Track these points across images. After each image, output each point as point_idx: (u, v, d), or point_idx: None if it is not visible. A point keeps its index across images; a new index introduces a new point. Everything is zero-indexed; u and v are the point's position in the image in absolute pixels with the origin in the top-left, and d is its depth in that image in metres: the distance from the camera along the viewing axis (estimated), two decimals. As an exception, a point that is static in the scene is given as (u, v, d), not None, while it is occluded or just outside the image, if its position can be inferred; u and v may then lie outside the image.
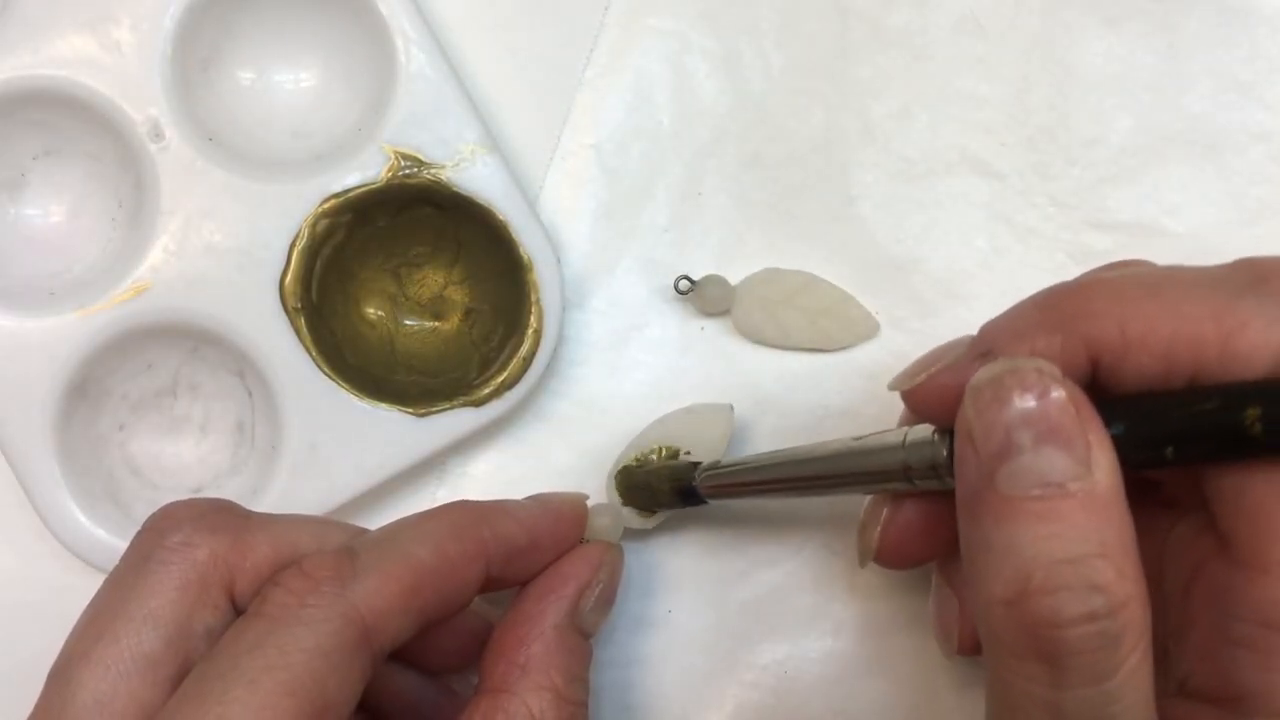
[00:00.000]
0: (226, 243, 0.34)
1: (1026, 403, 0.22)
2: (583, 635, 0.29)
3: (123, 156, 0.34)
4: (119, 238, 0.35)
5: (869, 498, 0.30)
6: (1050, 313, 0.24)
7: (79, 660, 0.25)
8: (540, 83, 0.36)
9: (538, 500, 0.31)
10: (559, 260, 0.35)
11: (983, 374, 0.23)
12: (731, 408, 0.34)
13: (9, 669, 0.28)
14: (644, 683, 0.35)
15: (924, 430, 0.26)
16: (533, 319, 0.34)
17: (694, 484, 0.32)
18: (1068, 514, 0.22)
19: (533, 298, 0.34)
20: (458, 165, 0.34)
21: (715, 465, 0.32)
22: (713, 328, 0.36)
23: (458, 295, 0.36)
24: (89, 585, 0.27)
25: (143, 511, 0.28)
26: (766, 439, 0.35)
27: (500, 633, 0.29)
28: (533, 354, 0.34)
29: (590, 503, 0.32)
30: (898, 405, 0.36)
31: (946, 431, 0.25)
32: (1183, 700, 0.24)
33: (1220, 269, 0.24)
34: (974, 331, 0.35)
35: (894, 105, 0.36)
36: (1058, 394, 0.22)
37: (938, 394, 0.26)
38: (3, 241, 0.35)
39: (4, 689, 0.32)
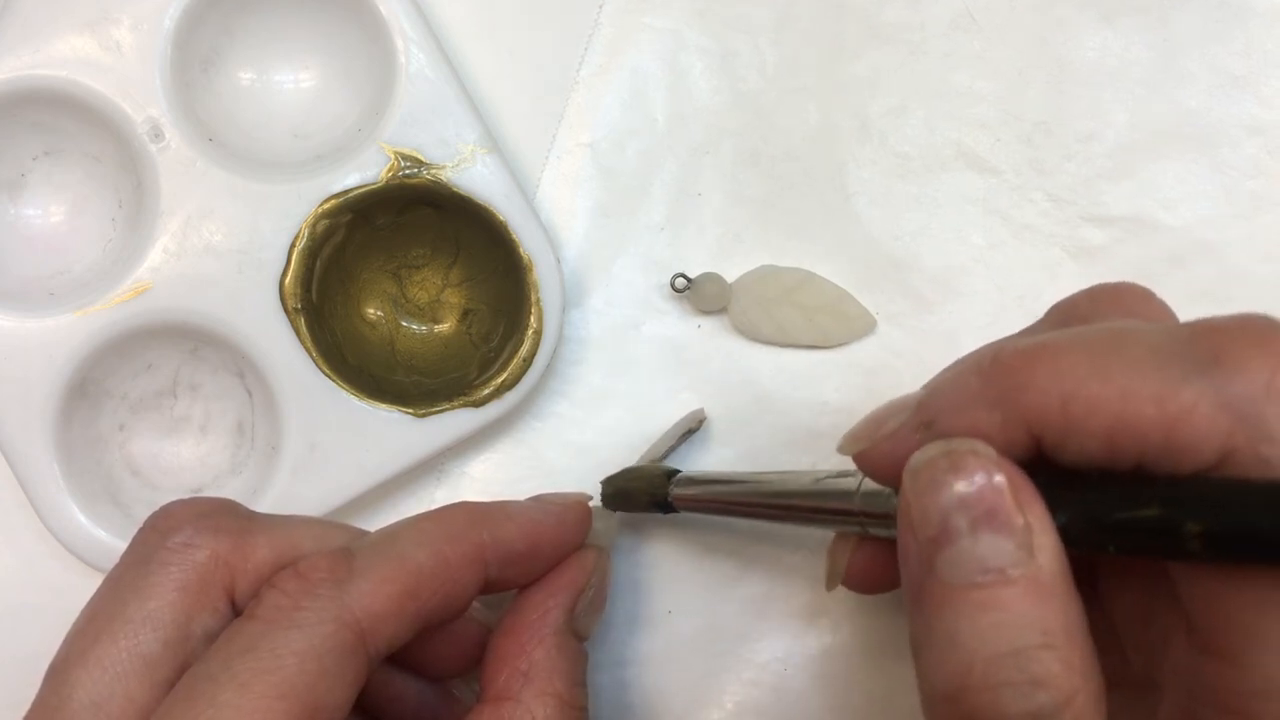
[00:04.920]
0: (226, 243, 0.34)
1: (963, 487, 0.21)
2: (579, 640, 0.29)
3: (123, 157, 0.34)
4: (119, 238, 0.35)
5: None
6: (991, 386, 0.22)
7: (76, 660, 0.25)
8: (535, 82, 0.36)
9: (539, 503, 0.31)
10: (559, 260, 0.35)
11: (918, 457, 0.22)
12: (702, 410, 0.35)
13: (9, 669, 0.28)
14: (644, 682, 0.35)
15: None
16: (533, 319, 0.34)
17: (667, 495, 0.32)
18: (1010, 601, 0.20)
19: (533, 298, 0.34)
20: (458, 165, 0.34)
21: (690, 479, 0.32)
22: (710, 325, 0.36)
23: (457, 296, 0.36)
24: (89, 585, 0.27)
25: (143, 512, 0.28)
26: (764, 436, 0.35)
27: (500, 639, 0.29)
28: (533, 354, 0.34)
29: (590, 504, 0.32)
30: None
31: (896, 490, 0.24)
32: None
33: (1178, 338, 0.21)
34: (970, 327, 0.35)
35: (890, 102, 0.36)
36: (996, 478, 0.21)
37: (883, 460, 0.24)
38: (3, 241, 0.35)
39: (4, 689, 0.31)
